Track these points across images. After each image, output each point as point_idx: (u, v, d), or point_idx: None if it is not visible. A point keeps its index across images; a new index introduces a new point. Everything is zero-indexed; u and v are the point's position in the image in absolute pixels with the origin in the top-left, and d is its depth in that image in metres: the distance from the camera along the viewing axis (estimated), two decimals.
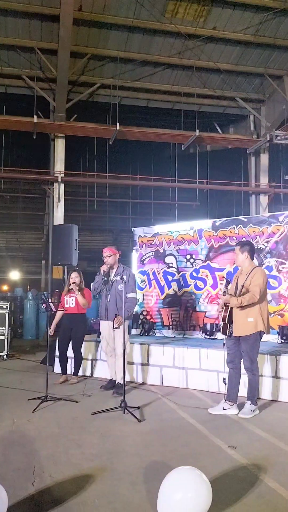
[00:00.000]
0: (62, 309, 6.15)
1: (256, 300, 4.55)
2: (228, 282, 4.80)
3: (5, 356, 8.82)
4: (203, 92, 13.24)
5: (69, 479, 3.01)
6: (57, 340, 6.48)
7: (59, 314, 6.34)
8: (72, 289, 6.24)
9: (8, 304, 9.36)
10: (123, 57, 12.04)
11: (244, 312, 4.60)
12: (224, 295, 4.68)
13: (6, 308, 9.13)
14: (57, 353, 6.56)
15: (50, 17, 10.65)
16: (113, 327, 5.35)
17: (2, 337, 8.91)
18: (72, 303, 6.28)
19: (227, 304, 4.67)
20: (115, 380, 5.73)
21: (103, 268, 5.73)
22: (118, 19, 10.92)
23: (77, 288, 6.25)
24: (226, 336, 4.75)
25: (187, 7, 10.78)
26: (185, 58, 12.08)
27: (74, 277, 6.36)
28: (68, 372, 6.58)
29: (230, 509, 2.59)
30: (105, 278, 5.73)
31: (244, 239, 7.25)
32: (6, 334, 8.96)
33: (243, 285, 4.69)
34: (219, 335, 7.02)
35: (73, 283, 6.28)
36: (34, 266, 25.85)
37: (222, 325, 4.76)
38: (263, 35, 11.63)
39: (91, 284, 5.98)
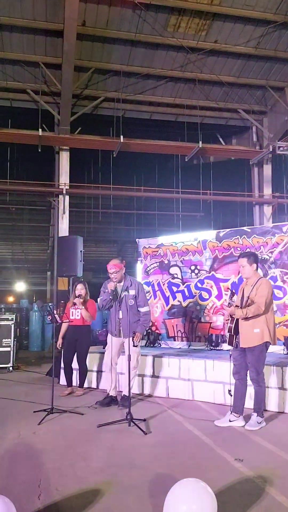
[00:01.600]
0: (67, 320, 6.15)
1: (261, 312, 4.54)
2: (233, 293, 4.80)
3: (10, 368, 8.82)
4: (205, 104, 13.36)
5: (75, 493, 3.01)
6: (62, 352, 6.48)
7: (64, 326, 6.35)
8: (75, 303, 6.27)
9: (14, 315, 9.38)
10: (126, 71, 12.20)
11: (250, 323, 4.60)
12: (229, 306, 4.68)
13: (12, 319, 9.15)
14: (62, 365, 6.57)
15: (54, 32, 10.83)
16: (134, 345, 5.17)
17: (8, 349, 8.91)
18: (78, 315, 6.29)
19: (233, 316, 4.67)
20: (113, 396, 5.59)
21: (110, 287, 5.50)
22: (121, 34, 11.09)
23: (82, 301, 6.25)
24: (232, 347, 4.75)
25: (189, 21, 10.93)
26: (188, 71, 12.22)
27: (80, 289, 6.35)
28: (74, 384, 6.58)
29: None
30: (114, 293, 5.53)
31: (248, 249, 7.26)
32: (12, 345, 8.98)
33: (248, 296, 4.69)
34: (225, 346, 7.01)
35: (79, 295, 6.27)
36: (40, 277, 25.96)
37: (228, 336, 4.76)
38: (264, 48, 11.76)
39: (98, 299, 5.85)
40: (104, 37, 11.21)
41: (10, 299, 26.40)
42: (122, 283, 5.59)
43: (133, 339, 5.17)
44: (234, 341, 4.70)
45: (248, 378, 4.71)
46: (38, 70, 12.04)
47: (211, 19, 10.92)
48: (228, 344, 4.81)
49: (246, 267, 4.82)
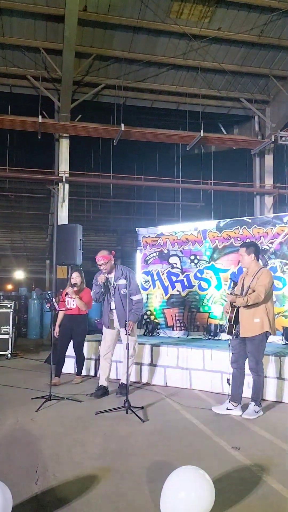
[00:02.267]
0: (65, 308, 6.14)
1: (261, 300, 4.55)
2: (235, 283, 4.83)
3: (9, 355, 8.84)
4: (207, 92, 13.22)
5: (72, 478, 3.02)
6: (58, 340, 6.39)
7: (61, 314, 6.33)
8: (67, 293, 6.18)
9: (12, 303, 9.38)
10: (128, 58, 12.03)
11: (250, 312, 4.60)
12: (231, 295, 4.70)
13: (11, 307, 9.16)
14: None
15: (55, 17, 10.65)
16: (126, 334, 5.10)
17: (6, 336, 8.93)
18: (73, 304, 6.25)
19: (234, 305, 4.67)
20: (106, 387, 5.55)
21: (101, 280, 5.44)
22: (123, 20, 10.91)
23: (76, 290, 6.18)
24: (232, 337, 4.75)
25: (192, 8, 10.75)
26: (190, 59, 12.06)
27: (75, 277, 6.27)
28: (71, 371, 6.59)
29: (232, 509, 2.59)
30: (106, 285, 5.48)
31: (248, 240, 7.24)
32: (10, 333, 8.99)
33: (249, 286, 4.69)
34: (223, 336, 7.02)
35: (74, 284, 6.19)
36: (39, 265, 25.94)
37: (228, 326, 4.77)
38: (268, 36, 11.58)
39: (91, 293, 5.85)
40: (106, 22, 11.04)
41: (9, 287, 26.40)
42: (113, 274, 5.54)
43: (125, 328, 5.12)
44: (233, 331, 4.70)
45: (247, 367, 4.72)
46: (38, 56, 11.87)
47: (214, 5, 10.75)
48: (228, 334, 4.82)
49: (245, 256, 4.83)
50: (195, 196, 16.48)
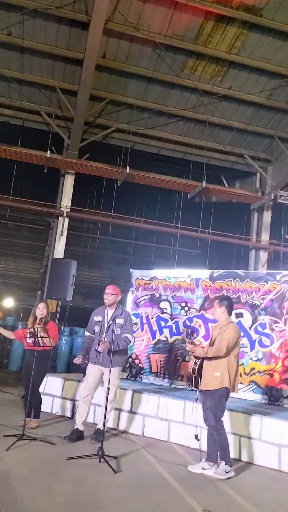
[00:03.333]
0: (53, 345, 5.85)
1: (222, 354, 4.49)
2: (191, 332, 4.83)
3: None
4: (213, 146, 13.65)
5: None
6: (22, 380, 5.99)
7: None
8: (31, 331, 5.51)
9: None
10: (139, 105, 12.49)
11: (212, 366, 4.55)
12: (190, 344, 4.65)
13: None
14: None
15: (74, 60, 11.13)
16: (96, 349, 5.08)
17: None
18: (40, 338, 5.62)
19: (193, 355, 4.64)
20: (81, 431, 5.35)
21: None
22: (139, 69, 11.41)
23: (42, 323, 5.73)
24: (198, 391, 4.68)
25: (206, 66, 11.29)
26: (199, 113, 12.54)
27: (42, 308, 5.84)
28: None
29: None
30: (100, 320, 5.46)
31: (233, 293, 7.25)
32: None
33: (215, 339, 4.67)
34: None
35: (41, 316, 5.75)
36: (29, 295, 25.71)
37: (193, 378, 4.69)
38: (276, 100, 12.12)
39: (85, 333, 5.76)
40: (122, 70, 11.53)
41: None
42: (112, 311, 5.53)
43: (99, 344, 5.08)
44: (198, 384, 4.63)
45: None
46: (54, 94, 12.31)
47: (227, 66, 11.29)
48: (193, 387, 4.74)
49: (217, 309, 4.87)
50: (192, 243, 16.64)
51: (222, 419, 4.53)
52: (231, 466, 4.46)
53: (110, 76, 11.84)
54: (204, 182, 12.89)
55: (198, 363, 4.60)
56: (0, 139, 12.68)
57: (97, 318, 5.54)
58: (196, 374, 4.62)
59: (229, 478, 4.37)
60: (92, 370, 5.47)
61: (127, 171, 12.50)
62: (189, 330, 4.87)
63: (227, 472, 4.40)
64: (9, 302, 26.31)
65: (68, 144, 12.96)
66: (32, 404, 5.70)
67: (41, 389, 6.16)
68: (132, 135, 13.06)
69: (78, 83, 11.31)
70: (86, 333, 5.71)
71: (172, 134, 13.52)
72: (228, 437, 5.07)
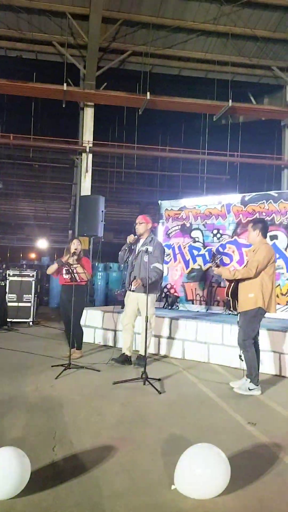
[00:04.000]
0: (88, 278, 5.97)
1: (251, 275, 4.46)
2: (213, 255, 4.80)
3: (31, 323, 9.03)
4: (237, 60, 12.73)
5: (89, 447, 3.06)
6: (62, 315, 6.22)
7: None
8: (68, 263, 5.69)
9: (35, 272, 9.49)
10: (156, 23, 11.65)
11: (246, 287, 4.55)
12: (217, 267, 4.61)
13: (33, 276, 9.28)
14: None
15: None
16: (130, 289, 5.24)
17: (28, 304, 9.11)
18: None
19: (223, 277, 4.66)
20: (128, 356, 5.61)
21: (129, 239, 5.58)
22: None
23: (76, 258, 5.81)
24: (235, 312, 4.73)
25: None
26: (221, 25, 11.59)
27: (76, 243, 5.95)
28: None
29: (248, 487, 2.59)
30: (132, 247, 5.60)
31: (267, 216, 7.06)
32: (32, 301, 9.15)
33: (248, 261, 4.64)
34: None
35: (75, 250, 5.84)
36: (61, 235, 26.15)
37: (229, 301, 4.72)
38: None
39: (119, 253, 5.86)
40: None
41: (32, 255, 26.76)
42: (143, 240, 5.62)
43: (130, 283, 5.19)
44: (235, 306, 4.66)
45: (261, 342, 4.66)
46: (64, 21, 11.60)
47: None
48: (229, 309, 4.78)
49: (251, 233, 4.78)
50: (220, 168, 16.14)
51: (252, 338, 4.57)
52: (256, 385, 4.53)
53: None
54: (230, 101, 12.18)
55: (232, 285, 4.61)
56: (14, 76, 12.26)
57: (129, 238, 5.63)
58: (229, 296, 4.64)
59: (251, 395, 4.46)
60: (129, 298, 5.64)
61: (148, 97, 11.93)
62: (213, 254, 4.83)
63: (250, 390, 4.49)
64: (42, 243, 26.88)
65: (84, 74, 12.39)
66: (75, 336, 5.98)
67: (82, 322, 6.38)
68: (150, 57, 12.33)
69: (89, 5, 10.57)
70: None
71: (193, 51, 12.65)
72: (268, 354, 5.18)
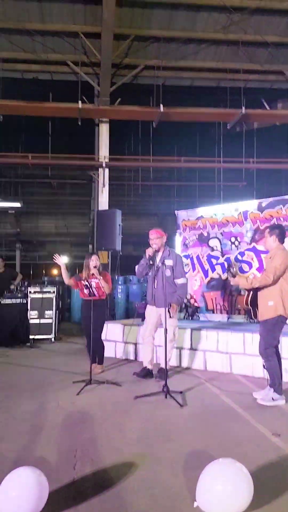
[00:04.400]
0: (107, 292, 5.97)
1: (270, 281, 4.36)
2: (228, 266, 4.73)
3: (53, 339, 9.07)
4: (249, 67, 12.67)
5: (110, 464, 3.03)
6: (83, 330, 6.20)
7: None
8: (93, 274, 5.78)
9: (55, 288, 9.56)
10: (166, 36, 11.71)
11: (265, 295, 4.46)
12: (233, 277, 4.54)
13: (53, 292, 9.35)
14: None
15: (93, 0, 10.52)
16: (170, 317, 5.13)
17: (50, 321, 9.16)
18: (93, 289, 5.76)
19: (240, 287, 4.59)
20: (149, 369, 5.57)
21: (148, 252, 5.46)
22: None
23: (98, 272, 5.84)
24: (255, 321, 4.64)
25: None
26: (231, 33, 11.58)
27: (95, 260, 5.98)
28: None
29: (275, 501, 2.50)
30: (151, 262, 5.49)
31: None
32: (54, 317, 9.20)
33: (265, 268, 4.55)
34: None
35: (94, 267, 5.87)
36: (82, 250, 26.30)
37: (249, 310, 4.64)
38: None
39: (136, 267, 5.82)
40: (144, 2, 10.76)
41: (55, 271, 27.02)
42: (161, 253, 5.56)
43: (169, 311, 5.10)
44: (256, 314, 4.57)
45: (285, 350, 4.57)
46: (77, 41, 11.78)
47: None
48: (250, 318, 4.71)
49: (268, 239, 4.70)
50: (237, 175, 16.05)
51: (273, 347, 4.47)
52: (280, 394, 4.42)
53: (132, 10, 11.09)
54: (243, 108, 12.12)
55: (251, 294, 4.54)
56: (31, 97, 12.50)
57: (148, 251, 5.49)
58: (248, 305, 4.57)
59: (275, 405, 4.34)
60: (150, 311, 5.59)
61: (161, 109, 11.98)
62: (228, 264, 4.78)
63: (274, 400, 4.39)
64: (64, 259, 27.10)
65: (99, 91, 12.54)
66: (96, 351, 5.98)
67: (103, 336, 6.36)
68: (162, 70, 12.38)
69: (100, 24, 10.73)
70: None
71: (204, 61, 12.66)
72: None
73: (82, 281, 5.70)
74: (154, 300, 5.50)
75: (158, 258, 5.56)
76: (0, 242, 24.30)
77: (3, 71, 12.14)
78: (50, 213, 22.45)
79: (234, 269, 4.64)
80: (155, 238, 5.50)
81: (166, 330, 4.89)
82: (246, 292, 4.64)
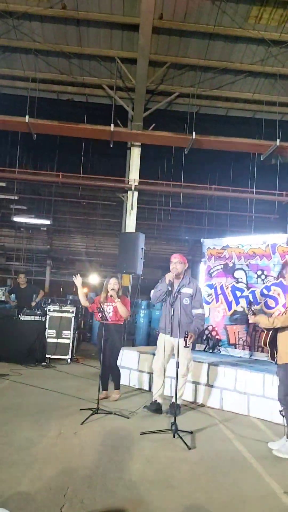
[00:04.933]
0: (124, 317, 5.84)
1: None
2: (250, 303, 4.44)
3: (69, 360, 8.89)
4: (286, 100, 12.56)
5: (99, 508, 2.79)
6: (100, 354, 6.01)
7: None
8: (111, 295, 5.69)
9: (75, 308, 9.40)
10: (203, 65, 11.77)
11: (286, 337, 4.12)
12: (252, 315, 4.26)
13: (72, 312, 9.21)
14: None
15: (130, 26, 10.68)
16: (185, 346, 4.90)
17: (67, 341, 9.01)
18: (109, 312, 5.80)
19: (261, 326, 4.27)
20: (159, 403, 5.29)
21: (168, 277, 5.24)
22: (199, 27, 10.68)
23: (116, 295, 5.74)
24: (274, 362, 4.30)
25: (272, 12, 10.26)
26: (268, 65, 11.53)
27: (113, 283, 5.79)
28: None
29: None
30: (169, 288, 5.26)
31: None
32: (71, 338, 9.04)
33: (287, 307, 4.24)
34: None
35: (112, 289, 5.75)
36: (110, 271, 26.32)
37: (268, 350, 4.32)
38: None
39: (152, 292, 5.62)
40: (182, 30, 10.87)
41: (85, 290, 27.02)
42: (180, 280, 5.35)
43: (185, 339, 4.85)
44: (273, 356, 4.24)
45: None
46: (114, 65, 12.00)
47: None
48: (270, 359, 4.36)
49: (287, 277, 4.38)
50: (269, 207, 15.75)
51: None
52: None
53: (169, 38, 11.24)
54: (278, 140, 11.94)
55: (270, 334, 4.23)
56: (66, 118, 12.74)
57: (168, 277, 5.28)
58: (267, 346, 4.26)
59: None
60: (163, 341, 5.33)
61: (193, 137, 11.94)
62: (250, 302, 4.50)
63: None
64: (94, 279, 27.10)
65: (132, 115, 12.66)
66: (113, 376, 5.92)
67: (118, 362, 6.13)
68: (197, 99, 12.41)
69: (137, 50, 10.89)
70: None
71: (240, 92, 12.63)
72: None
73: (96, 304, 5.56)
74: (171, 328, 5.25)
75: (176, 285, 5.35)
76: (32, 257, 24.67)
77: (39, 91, 12.47)
78: (80, 232, 22.66)
79: (255, 306, 4.37)
80: (177, 262, 5.32)
81: (178, 363, 4.63)
82: (266, 332, 4.33)
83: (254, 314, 4.34)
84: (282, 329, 4.16)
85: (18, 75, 12.24)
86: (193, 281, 5.45)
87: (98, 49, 11.53)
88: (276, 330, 4.23)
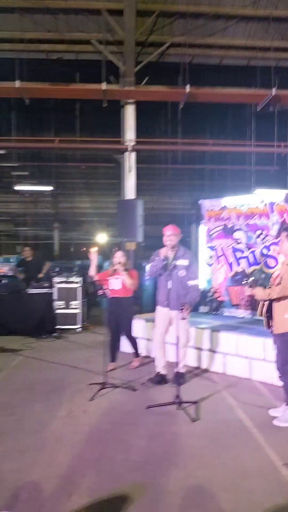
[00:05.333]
0: (133, 289, 5.96)
1: None
2: (247, 275, 4.42)
3: (79, 329, 9.08)
4: (280, 44, 11.93)
5: (107, 494, 2.94)
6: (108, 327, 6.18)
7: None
8: (117, 269, 5.81)
9: (81, 278, 9.47)
10: (193, 12, 11.16)
11: (282, 307, 4.10)
12: (249, 287, 4.24)
13: (78, 282, 9.31)
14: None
15: None
16: (183, 318, 4.96)
17: (75, 311, 9.18)
18: (118, 286, 5.91)
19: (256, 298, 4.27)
20: (163, 374, 5.43)
21: (163, 253, 5.22)
22: None
23: (123, 268, 5.83)
24: (270, 331, 4.32)
25: None
26: (261, 8, 10.89)
27: (120, 256, 5.91)
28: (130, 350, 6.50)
29: None
30: (165, 262, 5.27)
31: None
32: (80, 307, 9.20)
33: (281, 276, 4.12)
34: None
35: (119, 263, 5.85)
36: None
37: (264, 319, 4.34)
38: None
39: (148, 266, 5.64)
40: None
41: (95, 249, 27.03)
42: (175, 253, 5.31)
43: (181, 311, 4.90)
44: (270, 325, 4.27)
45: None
46: (101, 18, 11.42)
47: None
48: (266, 327, 4.37)
49: (283, 243, 4.26)
50: (268, 159, 15.34)
51: None
52: None
53: None
54: (274, 89, 11.44)
55: (266, 304, 4.25)
56: (56, 78, 12.32)
57: (162, 253, 5.26)
58: (264, 315, 4.29)
59: None
60: (162, 314, 5.41)
61: (187, 90, 11.48)
62: (244, 273, 4.48)
63: None
64: (102, 238, 27.08)
65: (124, 71, 12.15)
66: (131, 345, 6.18)
67: None
68: (189, 48, 11.83)
69: (123, 0, 10.33)
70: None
71: (233, 38, 12.01)
72: None
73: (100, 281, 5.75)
74: (168, 301, 5.30)
75: (171, 257, 5.31)
76: (39, 222, 24.65)
77: (27, 52, 11.96)
78: (85, 194, 22.49)
79: (250, 279, 4.36)
80: (171, 234, 5.25)
81: (178, 337, 4.73)
82: (262, 302, 4.34)
83: (251, 286, 4.34)
84: (277, 299, 4.17)
85: (4, 36, 11.70)
86: (187, 252, 5.40)
87: (84, 2, 10.96)
88: (271, 301, 4.24)
